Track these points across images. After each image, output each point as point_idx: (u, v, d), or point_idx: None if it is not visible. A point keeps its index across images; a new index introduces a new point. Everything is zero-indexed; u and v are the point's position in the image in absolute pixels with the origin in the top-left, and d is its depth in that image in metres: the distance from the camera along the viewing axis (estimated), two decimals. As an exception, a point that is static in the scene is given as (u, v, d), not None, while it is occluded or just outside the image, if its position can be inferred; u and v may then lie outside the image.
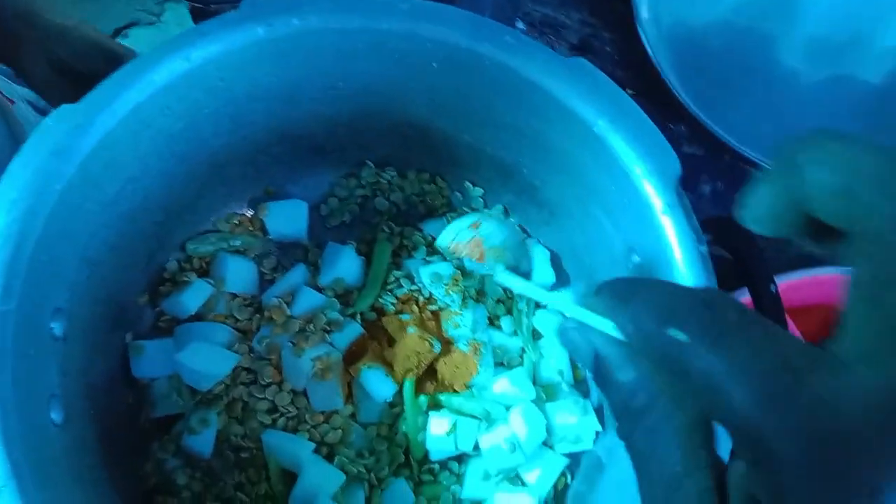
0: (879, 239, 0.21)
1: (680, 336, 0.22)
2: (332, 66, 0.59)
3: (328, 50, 0.57)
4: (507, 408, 0.63)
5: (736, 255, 0.56)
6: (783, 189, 0.24)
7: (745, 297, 0.63)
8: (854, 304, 0.22)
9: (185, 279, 0.66)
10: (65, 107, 0.49)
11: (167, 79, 0.52)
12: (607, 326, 0.27)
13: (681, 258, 0.48)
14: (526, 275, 0.42)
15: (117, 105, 0.50)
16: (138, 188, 0.57)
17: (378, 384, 0.62)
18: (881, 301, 0.21)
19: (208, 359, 0.62)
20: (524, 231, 0.72)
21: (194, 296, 0.65)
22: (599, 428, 0.62)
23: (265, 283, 0.69)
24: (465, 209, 0.73)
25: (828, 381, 0.20)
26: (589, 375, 0.67)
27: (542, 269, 0.68)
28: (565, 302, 0.32)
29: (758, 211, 0.25)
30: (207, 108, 0.58)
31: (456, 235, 0.46)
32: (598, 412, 0.63)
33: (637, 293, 0.25)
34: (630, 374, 0.28)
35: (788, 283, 0.63)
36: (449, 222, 0.71)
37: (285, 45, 0.55)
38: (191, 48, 0.52)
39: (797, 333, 0.62)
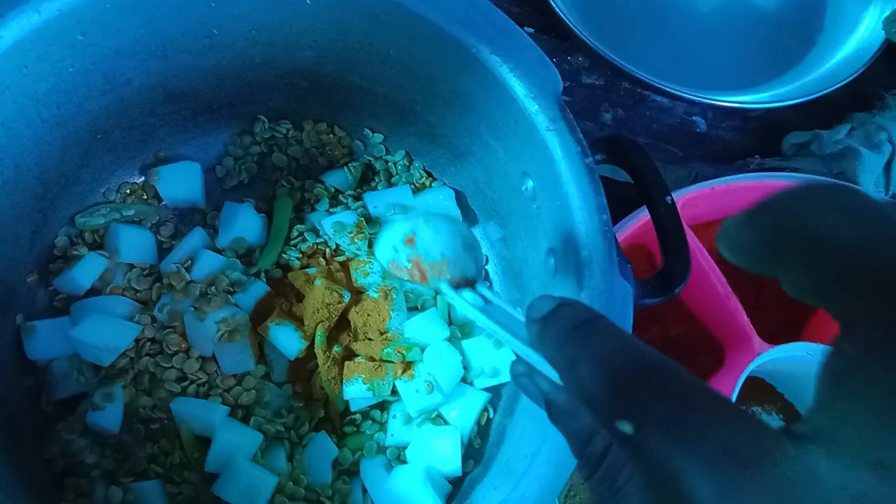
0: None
1: (627, 429, 0.22)
2: (203, 14, 0.56)
3: (194, -5, 0.54)
4: (422, 349, 0.62)
5: (631, 170, 0.56)
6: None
7: (643, 213, 0.63)
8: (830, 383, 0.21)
9: (77, 254, 0.63)
10: None
11: (17, 34, 0.49)
12: (555, 375, 0.26)
13: (567, 174, 0.48)
14: (471, 282, 0.41)
15: (-38, 66, 0.47)
16: (6, 158, 0.54)
17: (287, 340, 0.61)
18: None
19: (106, 332, 0.59)
20: (430, 174, 0.71)
21: (87, 270, 0.62)
22: (514, 357, 0.62)
23: (164, 251, 0.66)
24: (367, 157, 0.71)
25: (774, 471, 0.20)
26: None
27: (449, 211, 0.67)
28: (514, 340, 0.31)
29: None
30: (73, 67, 0.55)
31: (394, 253, 0.44)
32: (513, 344, 0.63)
33: (583, 347, 0.25)
34: (584, 421, 0.28)
35: (686, 198, 0.64)
36: (351, 174, 0.70)
37: (146, -9, 0.53)
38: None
39: (701, 247, 0.63)
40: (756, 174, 0.65)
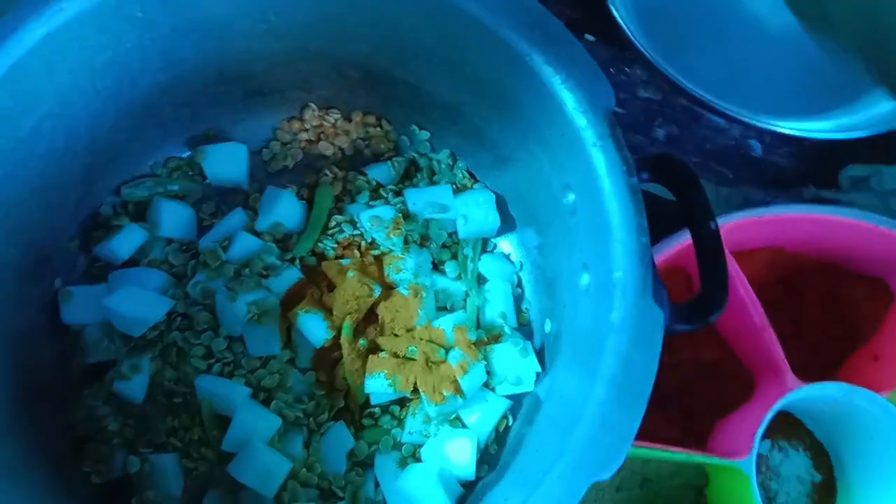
0: None
1: None
2: (261, -2, 0.57)
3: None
4: (447, 351, 0.62)
5: (676, 191, 0.54)
6: None
7: (685, 236, 0.62)
8: None
9: (118, 224, 0.64)
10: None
11: (80, 6, 0.50)
12: None
13: (610, 191, 0.47)
14: None
15: (24, 34, 0.48)
16: (58, 126, 0.55)
17: (315, 328, 0.61)
18: None
19: (140, 304, 0.60)
20: (472, 176, 0.70)
21: (127, 241, 0.63)
22: (539, 369, 0.61)
23: (204, 228, 0.67)
24: (411, 153, 0.71)
25: None
26: (534, 318, 0.66)
27: (488, 214, 0.67)
28: None
29: None
30: (130, 42, 0.55)
31: None
32: (539, 354, 0.62)
33: None
34: None
35: (733, 224, 0.62)
36: (395, 168, 0.70)
37: (207, -27, 0.53)
38: (103, -26, 0.50)
39: (741, 275, 0.61)
40: (807, 206, 0.63)
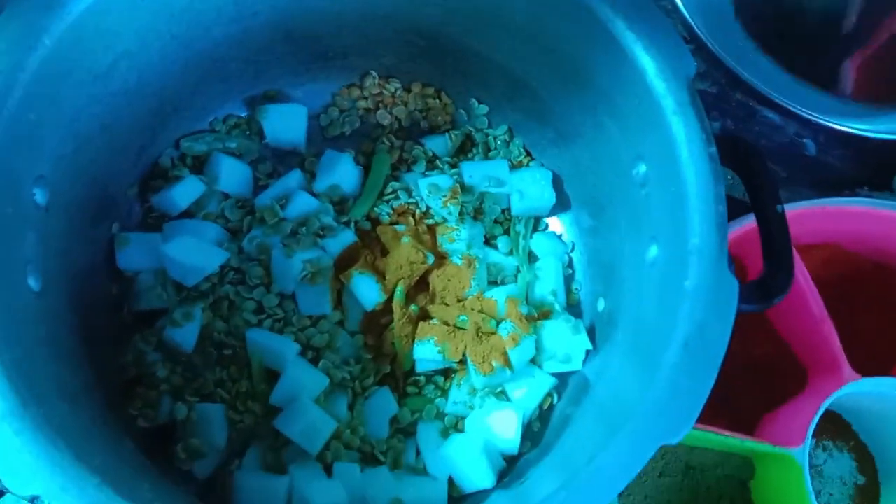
0: None
1: None
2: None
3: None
4: (499, 322, 0.61)
5: (745, 173, 0.54)
6: None
7: (738, 224, 0.61)
8: None
9: (178, 175, 0.64)
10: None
11: (167, -55, 0.50)
12: None
13: (688, 160, 0.47)
14: None
15: (113, -33, 0.48)
16: (133, 66, 0.55)
17: (367, 290, 0.61)
18: None
19: (196, 253, 0.60)
20: (528, 154, 0.70)
21: (185, 192, 0.63)
22: (590, 346, 0.61)
23: (259, 188, 0.67)
24: (468, 128, 0.71)
25: None
26: (584, 299, 0.66)
27: (544, 191, 0.66)
28: None
29: None
30: (209, -12, 0.56)
31: None
32: (591, 332, 0.62)
33: None
34: None
35: (795, 213, 0.61)
36: (451, 141, 0.69)
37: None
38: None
39: (801, 265, 0.60)
40: (870, 199, 0.62)
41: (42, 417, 0.40)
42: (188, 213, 0.64)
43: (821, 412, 0.56)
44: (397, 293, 0.61)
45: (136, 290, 0.61)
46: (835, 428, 0.67)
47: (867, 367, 0.61)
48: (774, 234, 0.52)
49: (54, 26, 0.46)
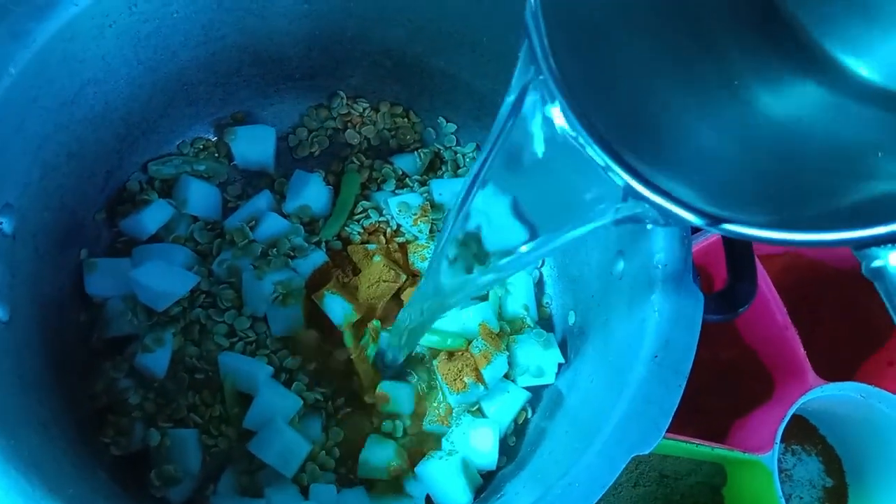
0: None
1: None
2: (305, -23, 0.57)
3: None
4: (470, 341, 0.62)
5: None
6: None
7: (704, 236, 0.63)
8: None
9: (146, 199, 0.64)
10: (24, -10, 0.47)
11: (132, -29, 0.50)
12: None
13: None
14: None
15: (78, -6, 0.48)
16: (99, 92, 0.55)
17: (340, 310, 0.61)
18: None
19: (165, 278, 0.60)
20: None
21: (154, 216, 0.63)
22: (562, 359, 0.61)
23: (228, 210, 0.67)
24: (437, 146, 0.71)
25: None
26: (555, 313, 0.67)
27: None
28: None
29: None
30: (177, 14, 0.56)
31: None
32: (562, 346, 0.63)
33: None
34: None
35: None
36: (420, 159, 0.70)
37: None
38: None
39: (764, 274, 0.62)
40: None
41: (11, 450, 0.39)
42: (157, 238, 0.64)
43: (787, 418, 0.57)
44: (346, 339, 0.62)
45: (105, 317, 0.60)
46: (802, 432, 0.69)
47: (829, 371, 0.63)
48: (737, 245, 0.53)
49: (19, 55, 0.46)
